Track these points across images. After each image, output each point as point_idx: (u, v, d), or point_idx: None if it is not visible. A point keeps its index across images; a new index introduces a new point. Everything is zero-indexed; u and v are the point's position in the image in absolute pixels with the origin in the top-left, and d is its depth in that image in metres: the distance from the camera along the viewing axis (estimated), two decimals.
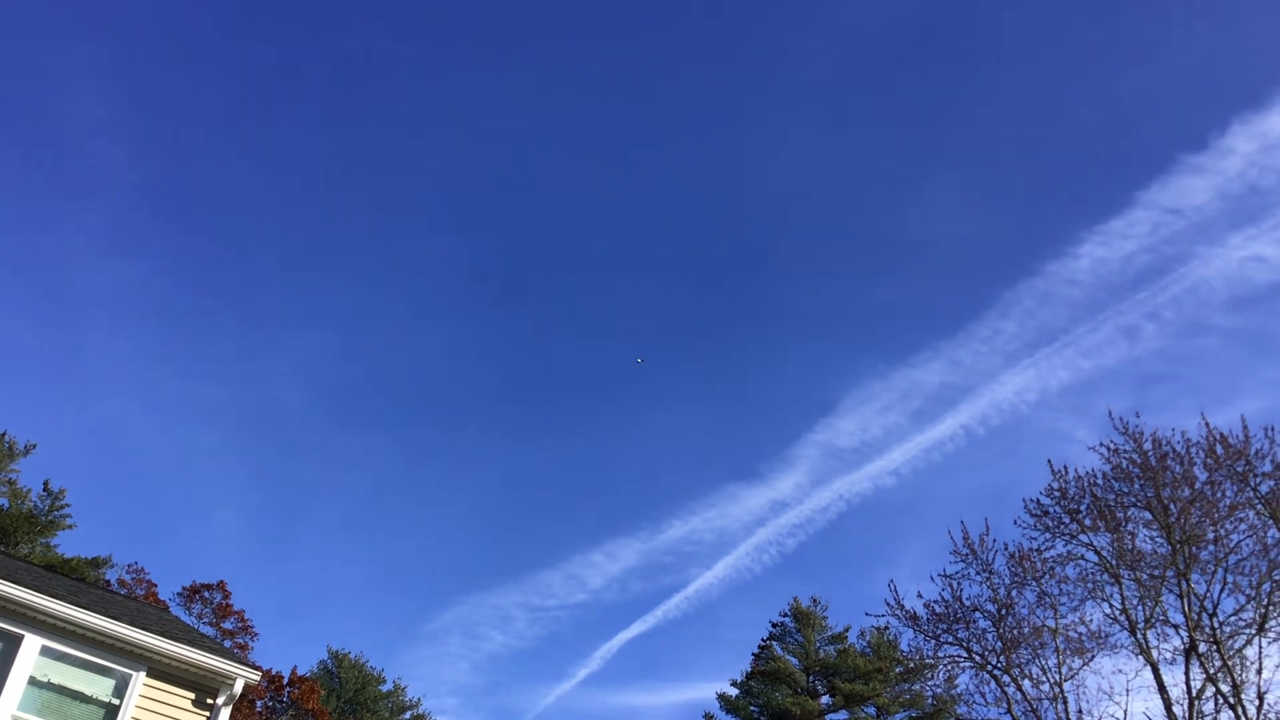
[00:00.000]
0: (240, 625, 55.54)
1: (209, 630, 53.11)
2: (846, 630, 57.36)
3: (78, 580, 21.24)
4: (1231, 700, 23.59)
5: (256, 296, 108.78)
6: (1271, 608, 23.96)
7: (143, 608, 20.34)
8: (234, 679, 16.15)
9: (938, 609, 28.53)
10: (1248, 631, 24.26)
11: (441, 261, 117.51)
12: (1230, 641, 24.36)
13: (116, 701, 15.23)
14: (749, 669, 57.06)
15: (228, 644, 52.61)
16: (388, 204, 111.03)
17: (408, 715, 67.13)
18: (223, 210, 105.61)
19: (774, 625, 58.58)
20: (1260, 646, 24.04)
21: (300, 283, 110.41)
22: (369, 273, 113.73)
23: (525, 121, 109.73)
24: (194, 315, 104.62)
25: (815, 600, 58.82)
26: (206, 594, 55.07)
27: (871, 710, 53.86)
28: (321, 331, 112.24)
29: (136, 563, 53.00)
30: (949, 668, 29.11)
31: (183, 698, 15.82)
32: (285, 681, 54.80)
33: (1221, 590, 24.71)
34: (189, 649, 15.84)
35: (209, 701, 16.02)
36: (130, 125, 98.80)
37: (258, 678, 16.66)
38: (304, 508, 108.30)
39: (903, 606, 29.10)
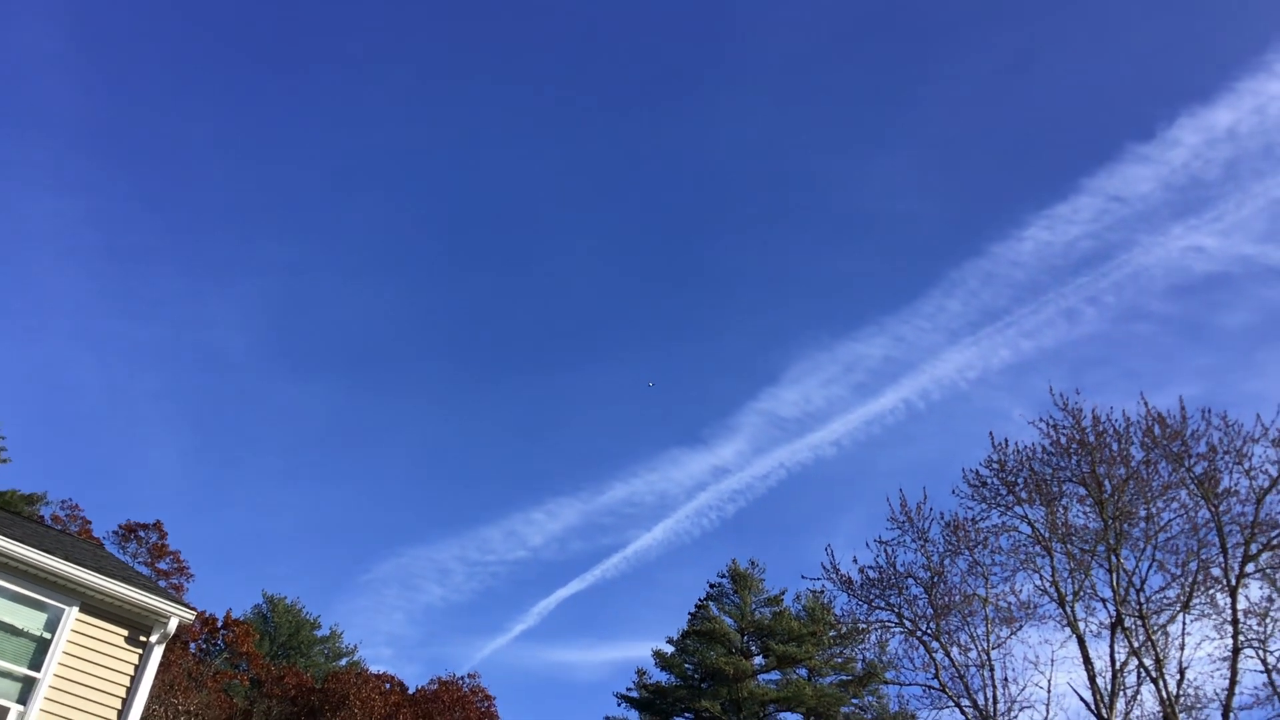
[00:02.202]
0: (176, 566, 55.05)
1: (144, 570, 52.55)
2: (782, 594, 58.04)
3: (11, 514, 20.87)
4: (1154, 674, 24.17)
5: (202, 240, 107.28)
6: (1196, 586, 24.54)
7: (77, 543, 20.06)
8: (168, 618, 16.01)
9: (872, 574, 28.88)
10: (1173, 608, 24.86)
11: (388, 217, 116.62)
12: (1155, 617, 24.94)
13: (48, 636, 15.05)
14: (685, 628, 57.62)
15: (163, 584, 52.12)
16: (336, 157, 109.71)
17: (343, 661, 67.07)
18: (171, 152, 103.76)
19: (711, 586, 59.12)
20: (1184, 623, 24.67)
21: (247, 229, 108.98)
22: (316, 223, 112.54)
23: (475, 85, 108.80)
24: (137, 255, 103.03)
25: (753, 563, 59.42)
26: (142, 533, 54.48)
27: (803, 672, 54.65)
28: (266, 278, 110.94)
29: (71, 499, 52.30)
30: (880, 633, 29.55)
31: (116, 634, 15.67)
32: (220, 624, 54.47)
33: (1150, 567, 25.28)
34: (123, 586, 15.66)
35: (142, 639, 15.88)
36: (80, 62, 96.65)
37: (192, 618, 16.53)
38: (243, 452, 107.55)
39: (838, 570, 29.41)
